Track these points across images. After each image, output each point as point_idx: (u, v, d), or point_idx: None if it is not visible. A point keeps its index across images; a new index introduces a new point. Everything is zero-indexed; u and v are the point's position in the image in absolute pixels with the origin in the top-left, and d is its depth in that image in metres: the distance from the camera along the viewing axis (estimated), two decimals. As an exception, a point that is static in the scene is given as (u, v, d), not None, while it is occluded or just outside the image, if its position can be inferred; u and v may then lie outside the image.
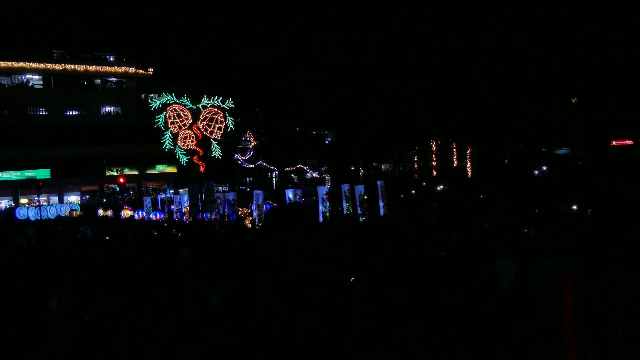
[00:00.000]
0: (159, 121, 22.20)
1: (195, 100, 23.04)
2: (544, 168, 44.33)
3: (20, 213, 32.05)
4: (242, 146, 48.68)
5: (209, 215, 21.87)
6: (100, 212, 34.19)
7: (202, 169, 23.78)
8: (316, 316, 2.87)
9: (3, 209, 40.76)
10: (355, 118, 47.73)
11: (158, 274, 7.77)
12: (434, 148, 52.89)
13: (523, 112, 41.96)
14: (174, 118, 22.44)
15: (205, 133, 23.16)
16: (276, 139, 48.97)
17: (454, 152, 51.97)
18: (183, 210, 27.39)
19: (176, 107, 22.50)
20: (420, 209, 20.07)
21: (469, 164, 51.49)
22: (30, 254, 12.21)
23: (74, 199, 48.50)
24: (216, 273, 6.80)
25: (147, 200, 33.63)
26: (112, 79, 52.45)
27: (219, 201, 23.24)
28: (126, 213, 30.95)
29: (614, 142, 45.44)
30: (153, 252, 10.67)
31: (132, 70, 52.18)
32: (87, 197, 50.19)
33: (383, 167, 65.48)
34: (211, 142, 23.48)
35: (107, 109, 52.20)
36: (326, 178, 28.11)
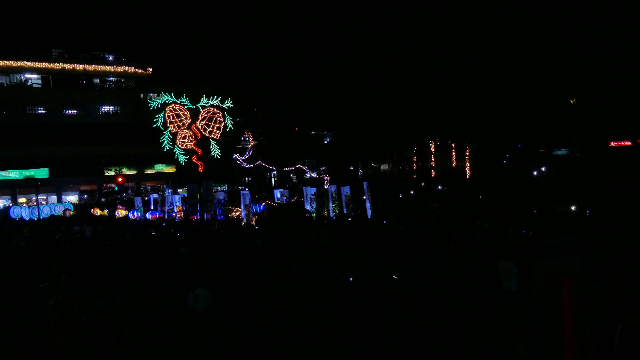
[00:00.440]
0: (157, 121, 22.15)
1: (195, 100, 23.01)
2: (543, 168, 44.38)
3: (15, 212, 32.01)
4: (241, 146, 48.65)
5: (203, 215, 21.86)
6: (98, 212, 34.13)
7: (201, 169, 23.76)
8: (315, 316, 2.87)
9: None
10: (355, 118, 47.75)
11: (157, 274, 7.77)
12: (432, 148, 52.95)
13: (522, 112, 42.01)
14: (173, 118, 22.41)
15: (204, 133, 23.14)
16: (275, 139, 48.98)
17: (453, 153, 52.03)
18: (175, 210, 27.43)
19: (175, 107, 22.47)
20: (420, 209, 20.09)
21: (467, 164, 51.55)
22: (30, 254, 12.19)
23: (72, 198, 48.44)
24: (215, 272, 6.80)
25: (138, 200, 33.61)
26: (111, 79, 52.40)
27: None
28: (120, 213, 30.98)
29: (612, 143, 45.54)
30: (152, 251, 10.67)
31: (131, 69, 52.13)
32: (85, 196, 50.12)
33: (382, 167, 65.53)
34: (210, 141, 23.44)
35: (106, 108, 52.15)
36: (325, 178, 28.08)
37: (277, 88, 48.16)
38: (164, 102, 22.22)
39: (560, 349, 2.63)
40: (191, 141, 22.88)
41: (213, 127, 23.25)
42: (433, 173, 51.87)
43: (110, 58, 52.64)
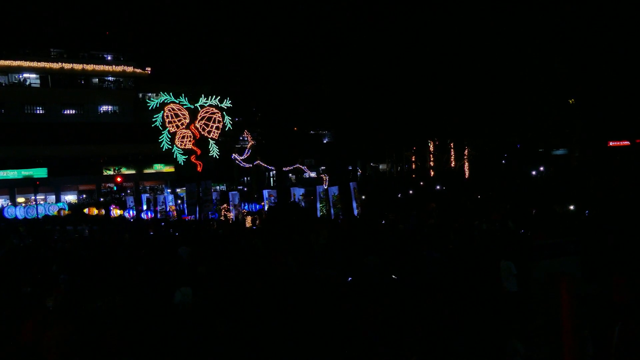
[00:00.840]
0: (156, 120, 22.10)
1: (193, 99, 22.97)
2: (542, 168, 44.41)
3: (9, 212, 31.96)
4: (240, 146, 48.63)
5: (201, 215, 21.87)
6: (94, 211, 34.07)
7: (199, 169, 23.72)
8: (315, 316, 2.87)
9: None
10: (354, 118, 47.73)
11: (157, 273, 7.76)
12: (431, 148, 52.96)
13: (521, 112, 42.04)
14: (172, 117, 22.36)
15: (203, 132, 23.11)
16: (274, 139, 48.91)
17: (452, 153, 52.06)
18: (168, 210, 27.47)
19: (174, 107, 22.42)
20: (419, 209, 20.12)
21: (466, 164, 51.57)
22: (29, 253, 12.17)
23: (71, 198, 48.40)
24: (214, 272, 6.79)
25: (130, 200, 33.60)
26: (110, 78, 52.36)
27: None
28: (115, 212, 31.02)
29: (611, 143, 45.61)
30: (151, 251, 10.66)
31: (129, 69, 52.09)
32: (84, 196, 50.08)
33: (381, 167, 65.55)
34: (209, 141, 23.40)
35: (104, 108, 52.11)
36: (324, 178, 28.11)
37: (276, 88, 48.12)
38: (163, 101, 22.17)
39: (559, 348, 2.63)
40: (190, 141, 22.85)
41: (212, 126, 23.21)
42: (432, 173, 51.91)
43: (109, 58, 52.62)
